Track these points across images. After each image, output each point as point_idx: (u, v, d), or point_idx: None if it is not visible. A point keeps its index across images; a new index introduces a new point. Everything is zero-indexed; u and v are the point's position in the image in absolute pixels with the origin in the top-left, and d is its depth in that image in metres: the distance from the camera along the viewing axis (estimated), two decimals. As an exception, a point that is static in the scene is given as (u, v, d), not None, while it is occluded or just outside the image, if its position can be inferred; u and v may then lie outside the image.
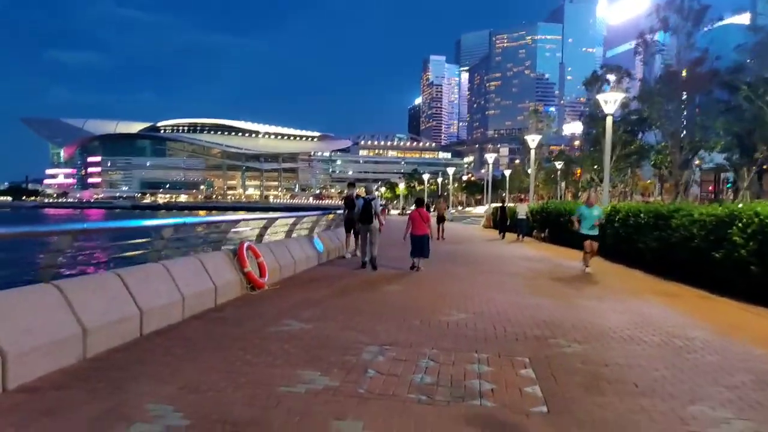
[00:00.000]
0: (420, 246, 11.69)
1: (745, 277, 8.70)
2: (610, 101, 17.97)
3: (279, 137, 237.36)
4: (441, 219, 23.13)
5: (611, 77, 31.58)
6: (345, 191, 14.41)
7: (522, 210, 23.96)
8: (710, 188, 67.68)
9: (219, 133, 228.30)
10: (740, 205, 9.60)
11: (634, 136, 34.31)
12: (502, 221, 24.99)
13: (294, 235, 12.62)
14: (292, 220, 12.25)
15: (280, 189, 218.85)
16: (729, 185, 60.68)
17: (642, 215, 13.32)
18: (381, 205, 12.48)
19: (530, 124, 51.61)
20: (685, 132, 26.85)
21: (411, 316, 6.64)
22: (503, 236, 24.30)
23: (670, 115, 28.03)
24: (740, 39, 30.95)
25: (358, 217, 11.97)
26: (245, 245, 7.83)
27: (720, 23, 31.11)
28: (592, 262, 12.18)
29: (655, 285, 10.32)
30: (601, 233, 16.79)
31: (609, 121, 18.09)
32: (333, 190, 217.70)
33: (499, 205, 27.33)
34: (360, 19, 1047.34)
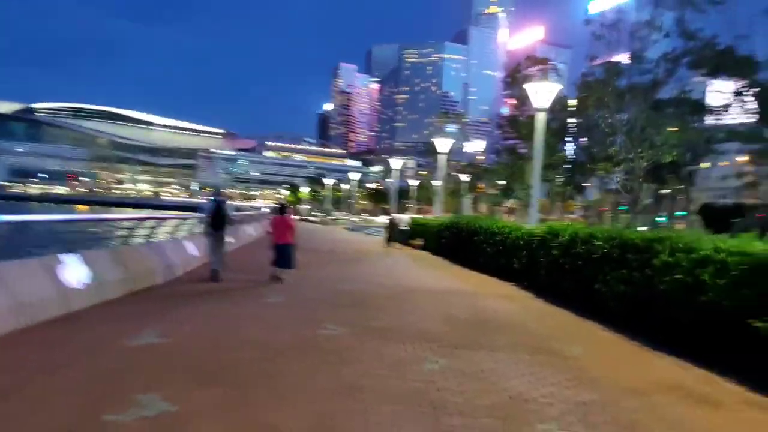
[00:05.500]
0: (283, 255, 10.69)
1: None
2: (542, 92, 14.28)
3: (177, 131, 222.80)
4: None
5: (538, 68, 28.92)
6: None
7: (404, 221, 25.47)
8: (604, 210, 69.27)
9: (108, 121, 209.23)
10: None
11: (557, 145, 32.13)
12: (390, 230, 25.93)
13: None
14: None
15: (176, 186, 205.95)
16: (623, 207, 61.74)
17: (599, 243, 9.43)
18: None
19: (436, 123, 48.59)
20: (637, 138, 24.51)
21: None
22: (389, 245, 24.60)
23: (626, 110, 25.63)
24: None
25: (209, 221, 10.65)
26: None
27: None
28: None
29: (648, 363, 6.27)
30: (530, 261, 13.07)
31: (541, 117, 14.40)
32: (234, 191, 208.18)
33: (389, 216, 28.97)
34: (272, 19, 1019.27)
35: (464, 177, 69.15)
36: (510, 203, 55.51)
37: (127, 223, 11.10)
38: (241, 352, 5.58)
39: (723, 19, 23.54)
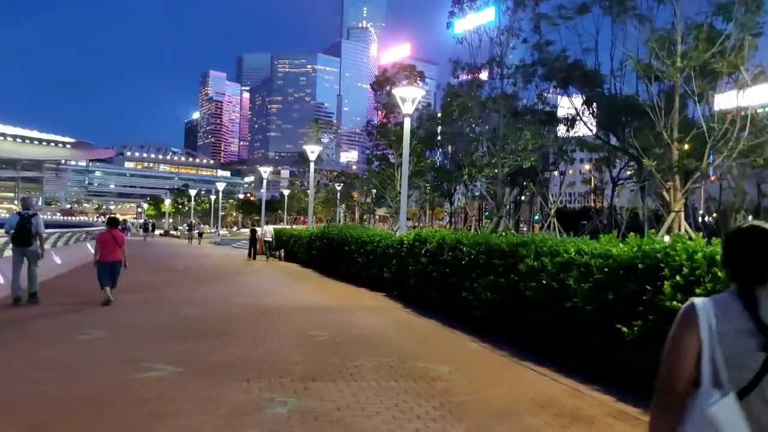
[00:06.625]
0: (111, 274, 9.71)
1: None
2: (408, 99, 14.01)
3: (17, 140, 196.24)
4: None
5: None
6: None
7: (269, 232, 24.82)
8: (469, 216, 73.01)
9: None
10: (663, 237, 5.69)
11: (424, 153, 32.82)
12: (252, 243, 25.18)
13: None
14: None
15: (16, 202, 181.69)
16: (487, 214, 65.56)
17: (465, 249, 9.09)
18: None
19: (310, 133, 47.62)
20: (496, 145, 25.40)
21: None
22: (253, 257, 24.23)
23: (488, 118, 26.49)
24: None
25: (13, 237, 9.31)
26: None
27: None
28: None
29: (517, 377, 5.83)
30: (400, 270, 12.57)
31: (407, 123, 14.12)
32: (88, 205, 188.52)
33: (251, 228, 29.03)
34: (133, 20, 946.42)
35: (338, 186, 68.94)
36: (382, 211, 56.12)
37: None
38: (9, 418, 4.11)
39: (573, 33, 25.59)
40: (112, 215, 11.57)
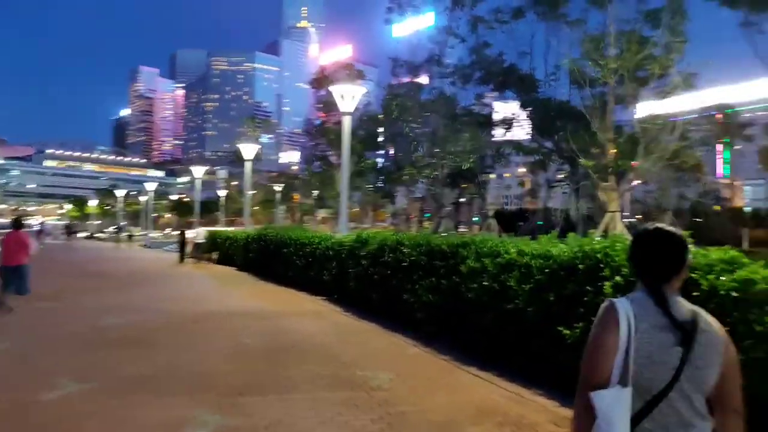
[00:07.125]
0: (16, 279, 8.86)
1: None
2: (348, 96, 13.69)
3: None
4: None
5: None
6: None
7: (200, 234, 24.64)
8: (411, 217, 73.53)
9: None
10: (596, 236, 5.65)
11: (365, 152, 32.60)
12: (182, 245, 24.93)
13: None
14: None
15: None
16: (428, 215, 65.96)
17: (406, 250, 8.87)
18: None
19: (248, 132, 46.26)
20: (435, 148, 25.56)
21: None
22: (182, 259, 23.89)
23: (427, 120, 26.57)
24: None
25: None
26: None
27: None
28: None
29: (459, 384, 5.62)
30: (340, 273, 12.20)
31: (347, 121, 13.78)
32: (4, 206, 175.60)
33: (180, 230, 28.45)
34: (56, 8, 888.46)
35: (278, 187, 67.47)
36: (323, 212, 55.47)
37: None
38: None
39: (510, 37, 26.20)
40: (16, 217, 10.65)
